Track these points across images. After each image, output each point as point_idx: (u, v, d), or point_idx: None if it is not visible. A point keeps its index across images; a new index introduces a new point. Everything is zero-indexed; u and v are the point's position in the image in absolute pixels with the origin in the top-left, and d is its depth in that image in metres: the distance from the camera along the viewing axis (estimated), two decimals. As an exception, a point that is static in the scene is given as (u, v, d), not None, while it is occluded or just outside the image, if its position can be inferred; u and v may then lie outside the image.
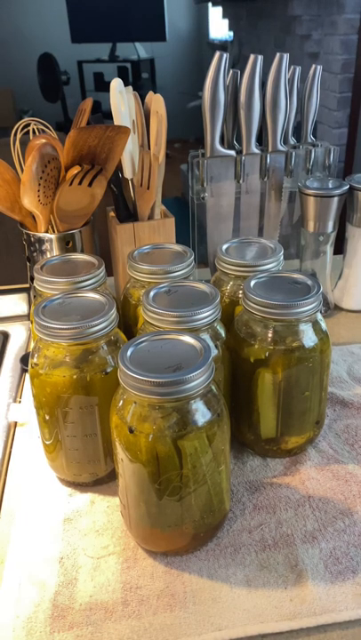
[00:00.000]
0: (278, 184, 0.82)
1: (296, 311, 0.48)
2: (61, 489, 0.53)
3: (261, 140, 0.81)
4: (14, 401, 0.66)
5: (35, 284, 0.56)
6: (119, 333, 0.51)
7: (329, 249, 0.78)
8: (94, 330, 0.46)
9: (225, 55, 0.74)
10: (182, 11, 4.88)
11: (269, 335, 0.50)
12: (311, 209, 0.74)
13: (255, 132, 0.79)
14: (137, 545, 0.47)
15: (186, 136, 4.25)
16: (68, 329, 0.45)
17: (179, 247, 0.61)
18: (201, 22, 4.98)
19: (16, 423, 0.63)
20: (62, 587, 0.44)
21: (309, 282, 0.51)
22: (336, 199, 0.73)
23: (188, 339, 0.43)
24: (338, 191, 0.73)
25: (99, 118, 0.72)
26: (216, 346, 0.49)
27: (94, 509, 0.51)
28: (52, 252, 0.68)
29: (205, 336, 0.48)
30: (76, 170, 0.66)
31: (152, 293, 0.50)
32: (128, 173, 0.71)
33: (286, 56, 0.76)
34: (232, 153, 0.79)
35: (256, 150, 0.80)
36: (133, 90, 0.70)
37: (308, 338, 0.50)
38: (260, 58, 0.75)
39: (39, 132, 0.71)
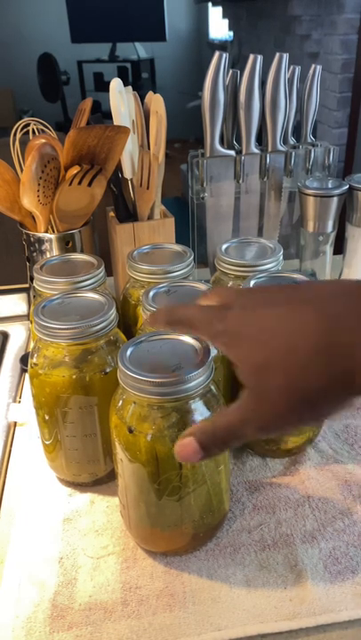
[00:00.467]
0: (278, 184, 0.82)
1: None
2: (61, 489, 0.53)
3: (261, 139, 0.81)
4: (14, 401, 0.66)
5: (34, 284, 0.56)
6: (119, 333, 0.51)
7: (329, 249, 0.78)
8: (94, 330, 0.46)
9: (225, 55, 0.74)
10: (182, 11, 4.88)
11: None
12: (311, 209, 0.74)
13: (255, 132, 0.79)
14: (136, 545, 0.47)
15: (186, 136, 4.24)
16: (67, 329, 0.45)
17: (178, 247, 0.61)
18: (201, 22, 4.98)
19: (16, 423, 0.62)
20: (62, 587, 0.44)
21: (309, 282, 0.51)
22: (336, 199, 0.73)
23: (187, 339, 0.43)
24: (337, 191, 0.73)
25: (98, 118, 0.72)
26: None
27: (94, 509, 0.51)
28: (52, 251, 0.68)
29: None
30: (75, 170, 0.66)
31: (152, 293, 0.50)
32: (128, 173, 0.71)
33: (286, 56, 0.76)
34: (232, 153, 0.79)
35: (256, 150, 0.80)
36: (133, 90, 0.70)
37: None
38: (259, 58, 0.75)
39: (39, 132, 0.71)
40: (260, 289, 0.36)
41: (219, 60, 0.73)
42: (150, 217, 0.72)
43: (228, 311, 0.32)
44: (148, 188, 0.69)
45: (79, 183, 0.65)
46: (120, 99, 0.66)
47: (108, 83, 0.67)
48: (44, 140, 0.64)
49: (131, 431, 0.41)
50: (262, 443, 0.55)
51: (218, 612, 0.42)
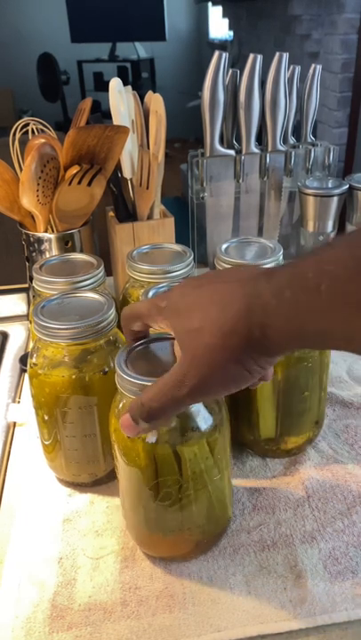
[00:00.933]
0: (278, 184, 0.82)
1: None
2: (61, 489, 0.53)
3: (261, 139, 0.81)
4: (13, 401, 0.66)
5: (34, 284, 0.56)
6: (118, 333, 0.51)
7: (329, 249, 0.78)
8: (93, 330, 0.46)
9: (224, 55, 0.73)
10: (182, 10, 4.87)
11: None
12: (311, 209, 0.74)
13: (255, 132, 0.78)
14: (136, 545, 0.47)
15: (185, 136, 4.24)
16: (67, 329, 0.45)
17: (178, 247, 0.61)
18: (201, 22, 4.98)
19: (15, 423, 0.62)
20: (61, 587, 0.44)
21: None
22: (336, 199, 0.73)
23: None
24: (337, 191, 0.73)
25: (98, 118, 0.72)
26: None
27: (93, 510, 0.51)
28: (52, 251, 0.68)
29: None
30: (75, 169, 0.65)
31: (151, 293, 0.50)
32: (127, 173, 0.71)
33: (286, 55, 0.76)
34: (232, 152, 0.79)
35: (256, 150, 0.80)
36: (133, 89, 0.70)
37: (308, 338, 0.50)
38: (259, 57, 0.75)
39: (38, 132, 0.71)
40: (194, 278, 0.41)
41: (219, 60, 0.73)
42: (150, 217, 0.72)
43: (168, 293, 0.38)
44: (147, 187, 0.69)
45: (79, 183, 0.65)
46: (120, 98, 0.66)
47: (108, 82, 0.67)
48: (43, 140, 0.64)
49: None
50: (262, 443, 0.54)
51: (218, 613, 0.42)
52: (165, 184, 0.73)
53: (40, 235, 0.67)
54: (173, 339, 0.43)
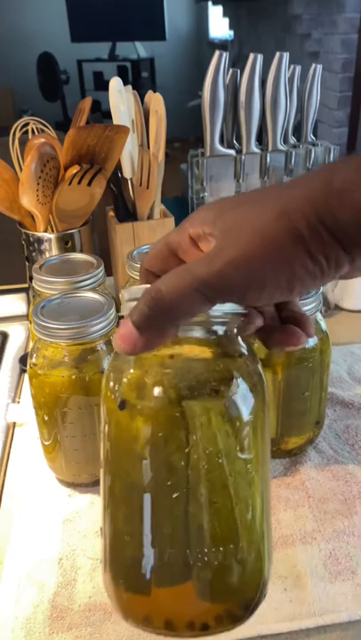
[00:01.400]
0: (278, 183, 0.82)
1: (296, 311, 0.48)
2: (61, 489, 0.53)
3: (261, 139, 0.81)
4: (13, 401, 0.66)
5: (33, 284, 0.56)
6: (118, 333, 0.50)
7: (329, 248, 0.78)
8: (93, 330, 0.46)
9: (225, 54, 0.73)
10: (182, 10, 4.87)
11: (269, 335, 0.50)
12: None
13: (255, 132, 0.78)
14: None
15: (186, 135, 4.24)
16: (66, 329, 0.45)
17: (178, 247, 0.61)
18: (201, 21, 4.97)
19: (15, 424, 0.62)
20: (61, 587, 0.44)
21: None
22: (336, 199, 0.73)
23: None
24: (338, 191, 0.72)
25: (98, 117, 0.72)
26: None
27: (94, 510, 0.51)
28: (51, 251, 0.68)
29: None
30: (75, 169, 0.65)
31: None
32: (127, 173, 0.71)
33: (286, 55, 0.76)
34: (232, 152, 0.79)
35: (256, 149, 0.79)
36: (133, 89, 0.69)
37: (308, 338, 0.50)
38: (259, 57, 0.75)
39: (38, 132, 0.71)
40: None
41: (219, 60, 0.73)
42: (150, 216, 0.72)
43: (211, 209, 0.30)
44: (147, 187, 0.69)
45: (79, 183, 0.65)
46: (120, 98, 0.66)
47: (108, 82, 0.67)
48: (43, 140, 0.64)
49: (122, 407, 0.30)
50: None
51: (218, 614, 0.42)
52: (165, 184, 0.73)
53: (40, 234, 0.67)
54: None
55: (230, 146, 0.81)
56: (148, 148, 0.69)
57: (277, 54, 0.76)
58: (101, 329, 0.46)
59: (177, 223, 0.72)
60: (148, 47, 4.62)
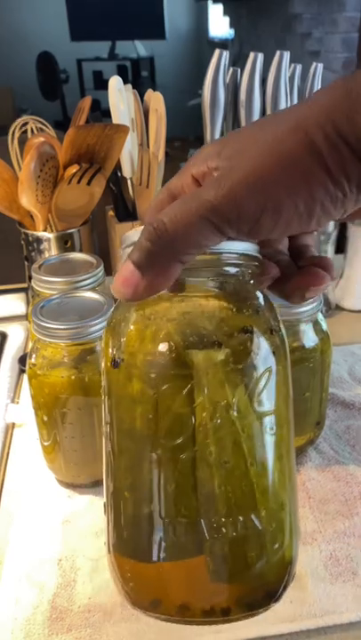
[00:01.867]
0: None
1: (296, 311, 0.48)
2: (60, 490, 0.53)
3: (261, 138, 0.81)
4: (12, 402, 0.66)
5: (33, 284, 0.56)
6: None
7: (330, 248, 0.77)
8: (93, 330, 0.46)
9: (225, 53, 0.73)
10: (182, 8, 4.87)
11: (269, 335, 0.49)
12: (311, 208, 0.74)
13: (255, 131, 0.78)
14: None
15: (186, 134, 4.23)
16: (66, 329, 0.45)
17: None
18: (201, 20, 4.97)
19: (14, 424, 0.62)
20: (61, 588, 0.44)
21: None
22: (336, 198, 0.73)
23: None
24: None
25: (97, 117, 0.71)
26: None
27: (93, 511, 0.51)
28: (51, 251, 0.67)
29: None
30: (74, 168, 0.65)
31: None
32: (127, 172, 0.71)
33: (287, 54, 0.75)
34: (232, 151, 0.79)
35: (256, 149, 0.79)
36: (133, 88, 0.69)
37: (309, 338, 0.49)
38: (260, 56, 0.74)
39: (37, 131, 0.71)
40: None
41: (219, 59, 0.73)
42: (150, 216, 0.72)
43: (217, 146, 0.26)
44: (147, 186, 0.69)
45: (78, 182, 0.65)
46: (119, 97, 0.66)
47: (108, 81, 0.67)
48: (42, 139, 0.64)
49: (116, 365, 0.28)
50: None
51: (218, 615, 0.41)
52: (165, 183, 0.72)
53: (39, 234, 0.67)
54: None
55: (230, 145, 0.81)
56: (148, 147, 0.69)
57: (278, 53, 0.75)
58: (101, 329, 0.46)
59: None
60: (147, 46, 4.62)
